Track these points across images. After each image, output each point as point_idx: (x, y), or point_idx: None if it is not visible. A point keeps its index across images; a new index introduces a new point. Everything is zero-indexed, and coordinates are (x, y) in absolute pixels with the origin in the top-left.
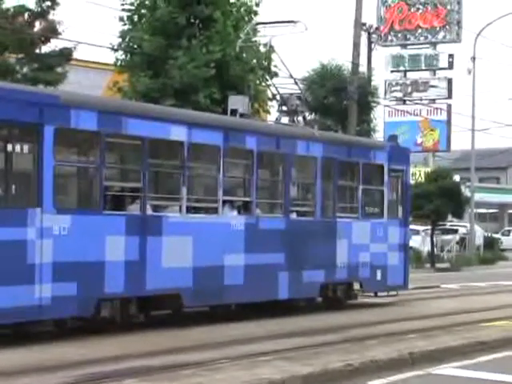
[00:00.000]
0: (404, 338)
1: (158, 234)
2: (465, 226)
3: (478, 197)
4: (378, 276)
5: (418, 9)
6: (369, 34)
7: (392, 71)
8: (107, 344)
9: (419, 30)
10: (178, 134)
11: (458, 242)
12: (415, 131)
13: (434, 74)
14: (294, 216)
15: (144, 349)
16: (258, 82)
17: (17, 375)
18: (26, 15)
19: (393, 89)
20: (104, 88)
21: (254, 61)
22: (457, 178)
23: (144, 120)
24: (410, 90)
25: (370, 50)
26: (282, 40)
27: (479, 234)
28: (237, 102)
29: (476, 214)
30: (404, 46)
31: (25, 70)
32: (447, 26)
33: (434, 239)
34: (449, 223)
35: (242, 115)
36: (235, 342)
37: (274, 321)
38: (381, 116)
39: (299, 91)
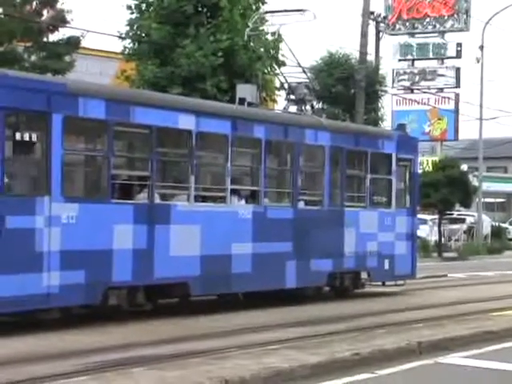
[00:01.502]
0: (412, 327)
1: (165, 222)
2: (472, 216)
3: (486, 186)
4: (386, 265)
5: None
6: (377, 22)
7: (400, 60)
8: (115, 332)
9: (427, 19)
10: (186, 122)
11: (465, 232)
12: (423, 120)
13: (442, 63)
14: (301, 205)
15: (152, 337)
16: (265, 70)
17: (24, 363)
18: (34, 3)
19: (400, 77)
20: (112, 76)
21: (262, 49)
22: (464, 167)
23: (152, 108)
24: (417, 78)
25: (377, 38)
26: (290, 29)
27: (487, 223)
28: (245, 90)
29: (483, 204)
30: (412, 35)
31: (33, 58)
32: (455, 15)
33: (442, 228)
34: (456, 212)
35: (249, 104)
36: (243, 331)
37: (282, 310)
38: (388, 105)
39: (307, 80)
